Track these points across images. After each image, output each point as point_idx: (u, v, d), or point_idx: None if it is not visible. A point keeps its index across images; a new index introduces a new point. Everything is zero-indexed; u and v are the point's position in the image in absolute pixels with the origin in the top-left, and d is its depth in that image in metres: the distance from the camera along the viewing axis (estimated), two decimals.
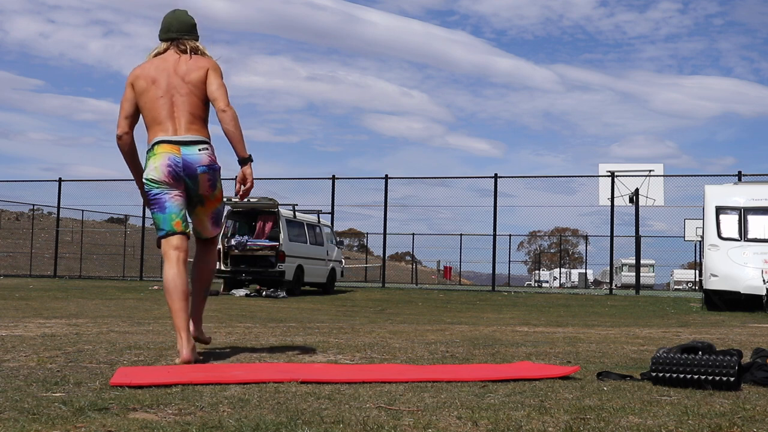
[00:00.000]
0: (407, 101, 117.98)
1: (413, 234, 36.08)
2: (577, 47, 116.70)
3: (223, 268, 16.45)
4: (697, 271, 30.50)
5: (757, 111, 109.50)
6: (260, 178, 25.31)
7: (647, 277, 38.86)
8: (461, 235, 35.13)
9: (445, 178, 24.36)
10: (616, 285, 33.21)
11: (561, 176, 25.16)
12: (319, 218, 18.73)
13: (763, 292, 11.98)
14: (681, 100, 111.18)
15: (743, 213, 13.15)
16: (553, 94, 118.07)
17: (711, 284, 12.76)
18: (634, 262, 23.26)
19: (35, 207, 32.93)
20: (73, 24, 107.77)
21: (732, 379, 3.08)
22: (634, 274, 23.84)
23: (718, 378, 3.09)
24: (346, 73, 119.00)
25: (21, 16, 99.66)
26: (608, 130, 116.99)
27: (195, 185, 3.96)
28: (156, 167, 3.89)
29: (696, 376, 3.12)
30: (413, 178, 23.54)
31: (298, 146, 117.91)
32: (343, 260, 20.44)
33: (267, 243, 16.25)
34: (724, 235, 13.04)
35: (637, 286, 21.39)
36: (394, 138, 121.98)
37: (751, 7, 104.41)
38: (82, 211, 29.95)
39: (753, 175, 19.28)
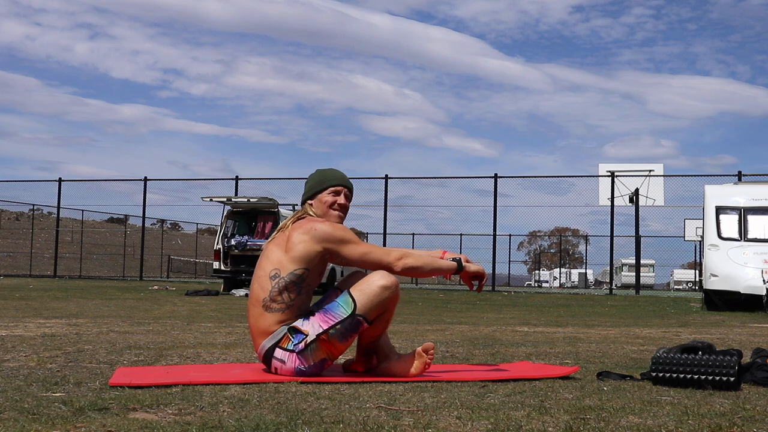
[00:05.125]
0: (399, 101, 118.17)
1: (413, 234, 36.14)
2: (555, 51, 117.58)
3: (223, 268, 16.46)
4: (697, 271, 30.50)
5: (748, 111, 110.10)
6: (260, 178, 25.34)
7: (647, 277, 38.89)
8: (461, 235, 35.14)
9: (445, 178, 24.40)
10: (616, 285, 33.22)
11: (561, 176, 25.19)
12: None
13: (763, 292, 11.97)
14: (672, 101, 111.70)
15: (743, 213, 13.14)
16: (543, 95, 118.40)
17: (711, 284, 12.76)
18: (634, 262, 23.27)
19: (35, 207, 32.95)
20: (59, 27, 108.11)
21: (732, 379, 3.08)
22: (634, 274, 23.84)
23: (718, 378, 3.09)
24: (335, 73, 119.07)
25: (7, 19, 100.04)
26: (602, 131, 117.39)
27: None
28: None
29: (696, 376, 3.12)
30: (413, 178, 23.56)
31: (289, 147, 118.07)
32: None
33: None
34: (724, 235, 13.04)
35: (637, 286, 21.39)
36: (386, 138, 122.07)
37: (723, 11, 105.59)
38: (82, 211, 29.99)
39: (753, 175, 19.31)
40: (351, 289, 3.31)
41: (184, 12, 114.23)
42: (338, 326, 3.24)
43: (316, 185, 3.49)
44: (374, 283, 3.28)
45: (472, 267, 3.49)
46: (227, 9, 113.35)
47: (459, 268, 3.45)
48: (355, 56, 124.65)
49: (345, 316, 3.24)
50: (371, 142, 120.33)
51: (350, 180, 3.58)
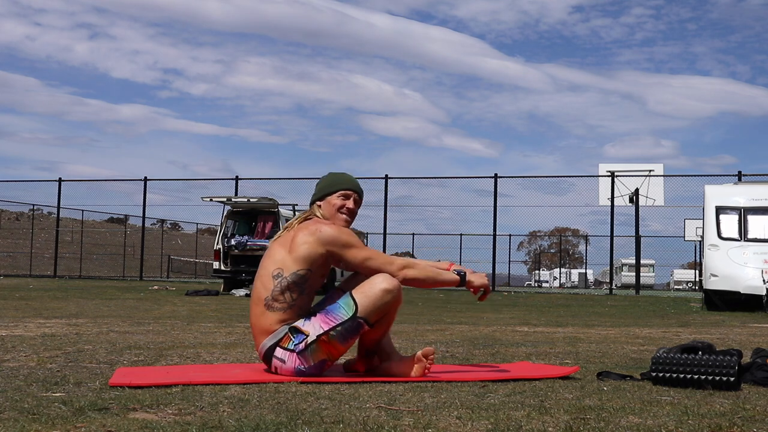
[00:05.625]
0: (399, 101, 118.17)
1: (413, 234, 36.16)
2: (555, 51, 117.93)
3: (223, 268, 16.46)
4: (697, 271, 30.50)
5: (747, 111, 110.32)
6: (260, 178, 25.34)
7: (647, 277, 38.87)
8: (461, 235, 35.18)
9: (445, 178, 24.43)
10: (616, 285, 33.21)
11: (561, 176, 25.18)
12: None
13: (763, 292, 11.97)
14: (672, 101, 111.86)
15: (743, 213, 13.14)
16: (543, 95, 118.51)
17: (711, 284, 12.76)
18: (634, 262, 23.26)
19: (35, 207, 32.95)
20: (59, 27, 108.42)
21: (732, 379, 3.08)
22: (634, 274, 23.84)
23: (718, 378, 3.09)
24: (335, 73, 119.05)
25: (7, 19, 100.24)
26: (602, 131, 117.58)
27: None
28: None
29: (696, 376, 3.12)
30: (413, 178, 23.60)
31: (288, 147, 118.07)
32: None
33: (267, 243, 16.25)
34: (724, 235, 13.03)
35: (637, 286, 21.39)
36: (385, 138, 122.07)
37: (723, 11, 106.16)
38: (82, 211, 30.01)
39: (753, 175, 19.31)
40: (353, 291, 3.30)
41: (183, 12, 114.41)
42: (339, 328, 3.23)
43: (326, 187, 3.48)
44: (377, 286, 3.27)
45: (476, 281, 3.46)
46: (227, 9, 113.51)
47: (462, 282, 3.44)
48: (355, 56, 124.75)
49: (346, 318, 3.24)
50: (371, 142, 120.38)
51: (360, 185, 3.57)
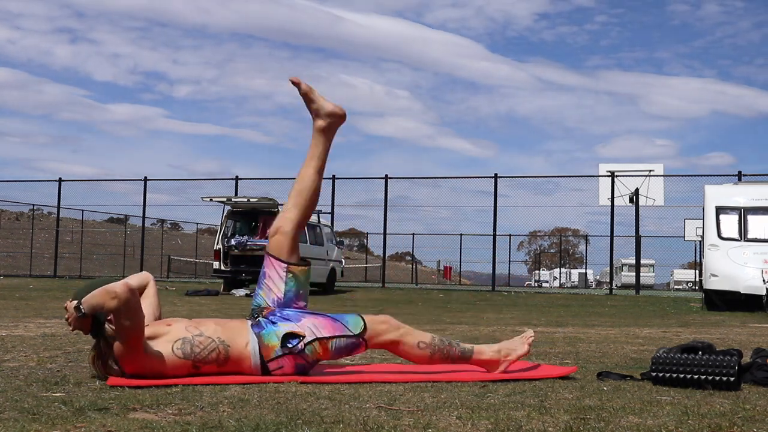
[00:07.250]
0: (390, 102, 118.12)
1: (413, 234, 36.12)
2: (528, 56, 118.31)
3: (223, 268, 16.46)
4: (697, 271, 30.49)
5: (746, 111, 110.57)
6: (259, 178, 25.34)
7: (647, 277, 38.81)
8: (461, 235, 35.13)
9: (445, 178, 24.38)
10: (616, 285, 33.19)
11: (561, 176, 25.16)
12: (319, 218, 18.74)
13: (763, 292, 11.98)
14: (669, 101, 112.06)
15: (743, 213, 13.15)
16: (540, 96, 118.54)
17: (711, 284, 12.76)
18: (634, 262, 23.26)
19: (35, 207, 32.95)
20: (39, 31, 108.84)
21: (732, 379, 3.08)
22: (634, 274, 23.83)
23: (718, 378, 3.09)
24: (326, 73, 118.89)
25: None
26: (599, 132, 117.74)
27: None
28: None
29: (696, 376, 3.12)
30: (414, 178, 23.55)
31: (279, 148, 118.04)
32: (343, 260, 20.44)
33: (267, 243, 16.25)
34: (724, 235, 13.04)
35: (637, 286, 21.39)
36: (376, 138, 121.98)
37: (684, 18, 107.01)
38: (82, 211, 30.01)
39: (753, 175, 19.31)
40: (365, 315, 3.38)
41: (171, 14, 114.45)
42: (342, 338, 3.26)
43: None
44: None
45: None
46: (217, 10, 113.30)
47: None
48: (346, 57, 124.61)
49: (350, 334, 3.27)
50: (360, 143, 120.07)
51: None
